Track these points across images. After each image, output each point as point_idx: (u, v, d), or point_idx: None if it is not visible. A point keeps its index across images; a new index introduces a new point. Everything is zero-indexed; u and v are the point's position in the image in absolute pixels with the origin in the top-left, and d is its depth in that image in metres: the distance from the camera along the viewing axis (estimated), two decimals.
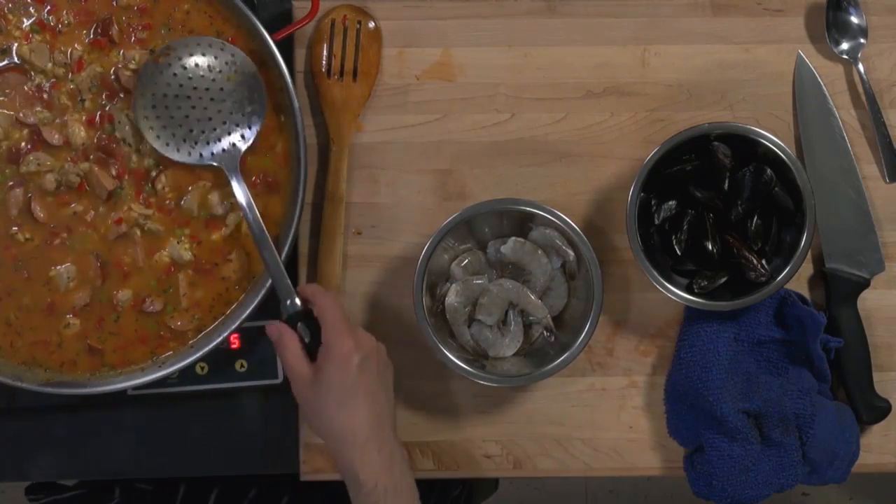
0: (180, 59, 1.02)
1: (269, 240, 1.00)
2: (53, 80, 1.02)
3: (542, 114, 1.10)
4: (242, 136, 1.03)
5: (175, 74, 1.02)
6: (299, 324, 0.98)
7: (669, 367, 1.08)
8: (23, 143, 1.02)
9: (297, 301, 0.99)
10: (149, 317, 1.04)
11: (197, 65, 1.03)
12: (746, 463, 1.03)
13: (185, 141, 1.03)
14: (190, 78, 1.03)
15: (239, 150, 1.03)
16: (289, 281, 1.00)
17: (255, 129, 1.03)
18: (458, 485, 1.34)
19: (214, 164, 1.03)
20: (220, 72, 1.03)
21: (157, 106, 1.02)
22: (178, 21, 1.03)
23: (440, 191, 1.10)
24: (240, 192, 1.01)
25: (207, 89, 1.03)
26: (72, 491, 1.27)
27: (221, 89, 1.03)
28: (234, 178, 1.02)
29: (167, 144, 1.03)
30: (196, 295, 1.04)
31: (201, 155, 1.03)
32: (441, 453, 1.09)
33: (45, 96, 1.02)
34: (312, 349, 0.97)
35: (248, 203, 1.01)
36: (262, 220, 1.00)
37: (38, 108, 1.02)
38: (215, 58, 1.03)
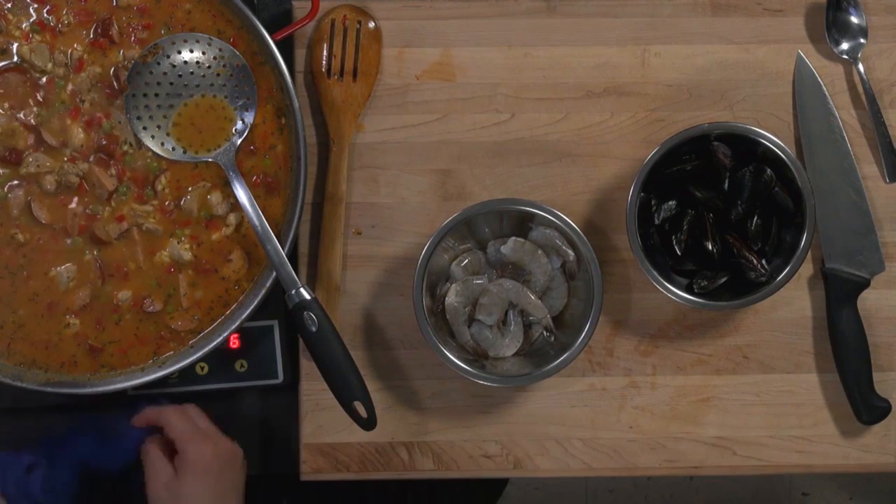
0: (168, 56, 1.02)
1: (270, 230, 1.01)
2: (53, 80, 1.02)
3: (542, 114, 1.11)
4: (236, 130, 1.03)
5: (164, 73, 1.02)
6: (305, 313, 0.99)
7: None
8: (22, 144, 1.02)
9: (302, 291, 0.99)
10: (149, 317, 1.04)
11: (185, 62, 1.03)
12: None
13: (179, 139, 1.03)
14: (180, 75, 1.03)
15: (234, 145, 1.03)
16: (291, 270, 1.00)
17: (248, 121, 1.03)
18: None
19: (210, 160, 1.03)
20: (208, 67, 1.03)
21: (150, 106, 1.02)
22: (179, 21, 1.03)
23: (440, 191, 1.10)
24: (237, 186, 1.01)
25: (198, 85, 1.03)
26: None
27: (211, 85, 1.03)
28: (231, 173, 1.02)
29: (162, 144, 1.03)
30: (196, 295, 1.04)
31: (196, 152, 1.03)
32: (441, 453, 1.10)
33: (44, 97, 1.02)
34: (318, 339, 0.99)
35: (247, 196, 1.01)
36: (262, 213, 1.01)
37: (38, 109, 1.02)
38: (203, 53, 1.03)
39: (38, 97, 1.02)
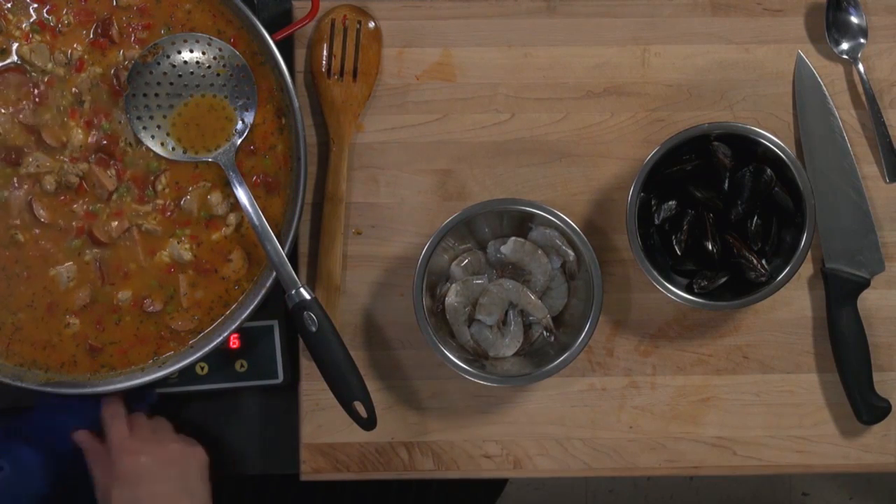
0: (168, 56, 1.02)
1: (270, 230, 1.01)
2: (53, 80, 1.02)
3: (542, 114, 1.11)
4: (236, 130, 1.03)
5: (164, 73, 1.02)
6: (305, 313, 0.99)
7: None
8: (22, 144, 1.02)
9: (302, 291, 0.99)
10: (149, 317, 1.04)
11: (185, 62, 1.03)
12: None
13: (179, 139, 1.03)
14: (180, 75, 1.03)
15: (234, 145, 1.03)
16: (291, 270, 1.00)
17: (248, 121, 1.03)
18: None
19: (210, 160, 1.03)
20: (208, 67, 1.03)
21: (150, 106, 1.02)
22: (179, 21, 1.03)
23: (440, 191, 1.10)
24: (238, 186, 1.01)
25: (198, 85, 1.03)
26: None
27: (212, 84, 1.03)
28: (231, 173, 1.02)
29: (162, 144, 1.03)
30: (196, 295, 1.04)
31: (196, 152, 1.03)
32: (441, 453, 1.10)
33: (44, 97, 1.02)
34: (318, 339, 0.99)
35: (247, 196, 1.01)
36: (262, 213, 1.01)
37: (38, 109, 1.02)
38: (203, 53, 1.03)
39: (38, 97, 1.02)
